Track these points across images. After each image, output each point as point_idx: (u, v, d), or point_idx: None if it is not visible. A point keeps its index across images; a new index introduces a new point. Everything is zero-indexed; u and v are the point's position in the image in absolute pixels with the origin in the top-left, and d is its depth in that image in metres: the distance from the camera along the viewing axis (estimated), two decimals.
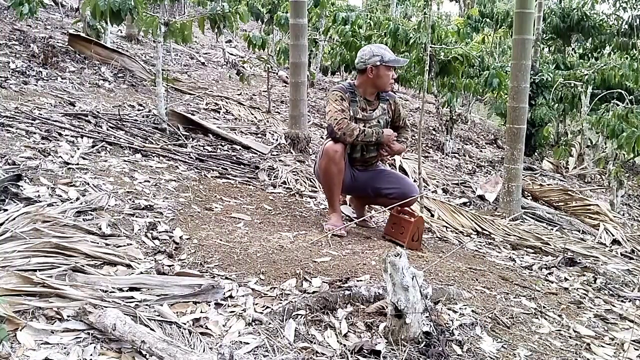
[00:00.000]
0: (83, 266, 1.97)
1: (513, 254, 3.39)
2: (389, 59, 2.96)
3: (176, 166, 3.72)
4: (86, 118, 4.15)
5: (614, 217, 4.75)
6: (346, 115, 2.93)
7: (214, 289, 1.93)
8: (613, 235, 4.06)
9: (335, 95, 2.99)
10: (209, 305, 1.87)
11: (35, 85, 4.81)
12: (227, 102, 6.33)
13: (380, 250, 2.55)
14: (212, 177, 3.71)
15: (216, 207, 3.09)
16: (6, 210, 2.27)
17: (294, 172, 4.15)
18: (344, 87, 3.05)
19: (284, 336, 1.73)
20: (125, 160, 3.49)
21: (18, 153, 3.06)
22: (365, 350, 1.69)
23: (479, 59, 7.37)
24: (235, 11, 4.69)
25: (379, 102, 3.11)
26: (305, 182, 4.03)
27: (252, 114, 6.19)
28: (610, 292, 2.77)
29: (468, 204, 4.67)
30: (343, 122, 2.89)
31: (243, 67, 8.97)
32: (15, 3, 5.59)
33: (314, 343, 1.72)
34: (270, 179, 3.96)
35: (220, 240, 2.51)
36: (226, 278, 2.09)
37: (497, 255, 3.26)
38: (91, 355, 1.50)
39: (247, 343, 1.66)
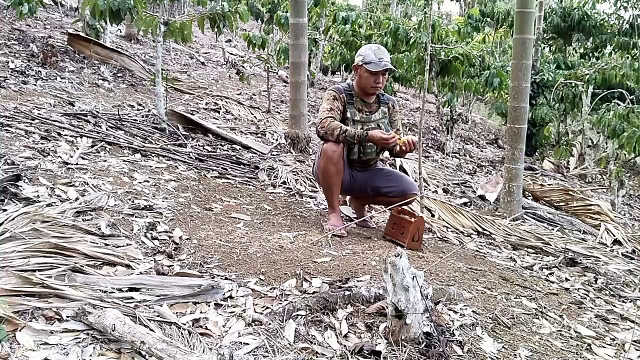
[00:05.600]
0: (82, 266, 1.96)
1: (514, 254, 3.38)
2: (369, 60, 2.89)
3: (176, 166, 3.72)
4: (85, 118, 4.14)
5: (615, 217, 4.75)
6: (334, 114, 2.91)
7: (213, 289, 1.92)
8: (614, 236, 4.05)
9: (329, 94, 2.99)
10: (209, 306, 1.86)
11: (35, 85, 4.81)
12: (226, 102, 6.32)
13: (381, 251, 2.54)
14: (211, 177, 3.70)
15: (216, 207, 3.08)
16: (5, 210, 2.26)
17: (294, 172, 4.14)
18: (340, 87, 3.03)
19: (284, 337, 1.72)
20: (124, 160, 3.48)
21: (17, 153, 3.05)
22: (365, 351, 1.69)
23: (480, 59, 7.36)
24: (235, 10, 4.69)
25: (378, 105, 3.07)
26: (305, 182, 4.02)
27: (252, 114, 6.18)
28: (611, 293, 2.76)
29: (469, 204, 4.66)
30: (326, 121, 2.88)
31: (243, 66, 8.97)
32: (14, 2, 5.58)
33: (314, 343, 1.72)
34: (270, 179, 3.95)
35: (220, 240, 2.50)
36: (226, 278, 2.09)
37: (497, 256, 3.25)
38: (90, 355, 1.50)
39: (247, 343, 1.66)
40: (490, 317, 2.07)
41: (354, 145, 3.00)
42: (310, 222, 3.14)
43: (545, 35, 10.62)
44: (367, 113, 3.02)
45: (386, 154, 3.29)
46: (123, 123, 4.29)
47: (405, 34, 6.79)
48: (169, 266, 2.15)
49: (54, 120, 3.84)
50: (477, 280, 2.47)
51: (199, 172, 3.70)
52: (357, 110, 3.00)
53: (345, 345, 1.72)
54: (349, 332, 1.80)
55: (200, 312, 1.82)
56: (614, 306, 2.56)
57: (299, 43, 4.68)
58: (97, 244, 2.18)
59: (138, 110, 4.99)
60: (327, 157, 2.88)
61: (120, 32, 8.82)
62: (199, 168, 3.79)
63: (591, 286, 2.82)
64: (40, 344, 1.51)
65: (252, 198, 3.44)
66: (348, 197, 3.51)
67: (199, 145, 4.39)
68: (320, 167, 2.94)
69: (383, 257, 1.75)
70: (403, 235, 2.90)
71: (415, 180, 3.84)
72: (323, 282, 2.09)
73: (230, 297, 1.94)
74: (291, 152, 4.72)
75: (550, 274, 2.97)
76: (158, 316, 1.73)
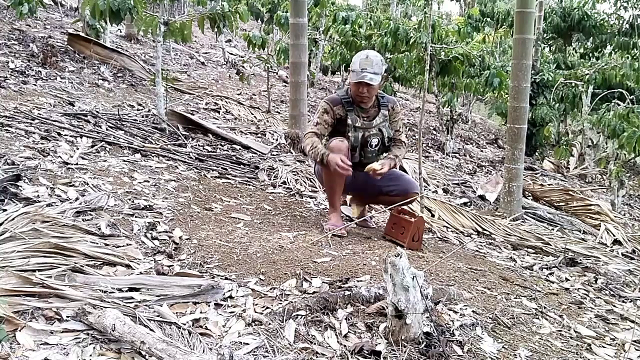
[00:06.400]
0: (82, 266, 1.96)
1: (514, 254, 3.38)
2: (353, 69, 2.85)
3: (176, 166, 3.72)
4: (85, 118, 4.15)
5: (615, 217, 4.75)
6: (319, 129, 2.90)
7: (213, 289, 1.92)
8: (614, 236, 4.05)
9: (321, 107, 2.96)
10: (209, 306, 1.86)
11: (35, 85, 4.81)
12: (226, 102, 6.32)
13: (381, 251, 2.54)
14: (211, 177, 3.70)
15: (216, 207, 3.08)
16: (5, 210, 2.26)
17: (294, 172, 4.14)
18: (336, 98, 2.97)
19: (284, 337, 1.72)
20: (124, 160, 3.48)
21: (17, 153, 3.05)
22: (365, 351, 1.69)
23: (480, 59, 7.36)
24: (235, 10, 4.69)
25: (378, 108, 3.01)
26: (305, 182, 4.02)
27: (252, 114, 6.18)
28: (611, 293, 2.76)
29: (469, 204, 4.66)
30: (306, 135, 2.90)
31: (243, 66, 8.97)
32: (14, 2, 5.58)
33: (314, 343, 1.72)
34: (270, 179, 3.96)
35: (220, 240, 2.50)
36: (226, 278, 2.09)
37: (497, 256, 3.25)
38: (90, 355, 1.50)
39: (247, 343, 1.66)
40: (490, 317, 2.07)
41: (355, 150, 2.99)
42: (310, 222, 3.14)
43: (545, 35, 10.62)
44: (366, 119, 2.98)
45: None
46: (123, 123, 4.29)
47: (405, 34, 6.78)
48: (169, 266, 2.15)
49: (54, 120, 3.84)
50: (477, 280, 2.47)
51: (199, 172, 3.71)
52: (357, 116, 2.96)
53: (345, 345, 1.72)
54: (349, 332, 1.80)
55: (200, 312, 1.82)
56: (614, 306, 2.56)
57: (299, 43, 4.68)
58: (97, 244, 2.18)
59: (138, 110, 4.99)
60: None
61: (120, 32, 8.82)
62: (199, 168, 3.79)
63: (591, 286, 2.82)
64: (40, 344, 1.51)
65: (252, 198, 3.44)
66: (349, 197, 3.51)
67: (199, 145, 4.39)
68: (323, 167, 2.93)
69: (383, 257, 1.75)
70: (403, 235, 2.91)
71: (416, 180, 3.84)
72: (323, 282, 2.09)
73: (230, 297, 1.94)
74: (291, 152, 4.72)
75: (550, 274, 2.98)
76: (158, 316, 1.73)
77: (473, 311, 2.07)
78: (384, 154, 3.26)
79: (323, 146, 2.89)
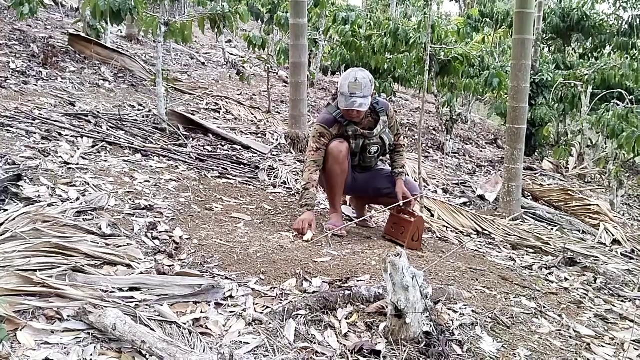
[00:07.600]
0: (83, 266, 1.97)
1: (513, 254, 3.39)
2: (341, 91, 2.77)
3: (176, 166, 3.72)
4: (86, 118, 4.15)
5: (614, 217, 4.76)
6: (319, 156, 2.87)
7: (214, 289, 1.93)
8: (613, 235, 4.06)
9: (315, 131, 2.90)
10: (209, 305, 1.87)
11: (35, 85, 4.81)
12: (227, 102, 6.33)
13: (381, 250, 2.55)
14: (212, 177, 3.71)
15: (216, 207, 3.09)
16: (6, 210, 2.27)
17: (294, 172, 4.15)
18: (329, 118, 2.89)
19: (284, 336, 1.73)
20: (125, 160, 3.49)
21: (18, 153, 3.06)
22: (365, 350, 1.69)
23: (479, 59, 7.37)
24: (235, 11, 4.69)
25: (376, 115, 2.96)
26: None
27: (252, 114, 6.19)
28: (611, 292, 2.77)
29: (468, 204, 4.67)
30: (307, 166, 2.88)
31: (243, 67, 8.97)
32: (15, 3, 5.59)
33: (314, 343, 1.72)
34: (270, 179, 3.96)
35: (220, 240, 2.51)
36: (226, 278, 2.09)
37: (497, 255, 3.26)
38: (91, 355, 1.50)
39: (247, 343, 1.67)
40: (489, 317, 2.07)
41: (355, 155, 3.00)
42: None
43: (544, 35, 10.62)
44: (365, 128, 2.94)
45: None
46: (124, 123, 4.29)
47: (405, 35, 6.79)
48: (169, 266, 2.16)
49: (55, 121, 3.85)
50: (477, 279, 2.48)
51: (199, 172, 3.71)
52: (357, 127, 2.90)
53: (345, 345, 1.73)
54: (349, 331, 1.81)
55: (201, 312, 1.82)
56: (613, 306, 2.57)
57: (299, 43, 4.69)
58: (98, 243, 2.19)
59: (139, 110, 4.99)
60: (333, 157, 2.88)
61: (121, 32, 8.82)
62: (200, 168, 3.80)
63: (590, 286, 2.83)
64: (41, 344, 1.52)
65: (252, 198, 3.45)
66: (349, 197, 3.51)
67: (199, 146, 4.40)
68: (325, 168, 2.94)
69: (383, 257, 1.76)
70: (403, 235, 2.91)
71: (415, 180, 3.84)
72: (323, 281, 2.09)
73: (231, 296, 1.95)
74: (291, 152, 4.73)
75: (549, 273, 2.98)
76: (159, 316, 1.73)
77: (473, 311, 2.08)
78: (384, 158, 3.27)
79: (315, 186, 2.88)
